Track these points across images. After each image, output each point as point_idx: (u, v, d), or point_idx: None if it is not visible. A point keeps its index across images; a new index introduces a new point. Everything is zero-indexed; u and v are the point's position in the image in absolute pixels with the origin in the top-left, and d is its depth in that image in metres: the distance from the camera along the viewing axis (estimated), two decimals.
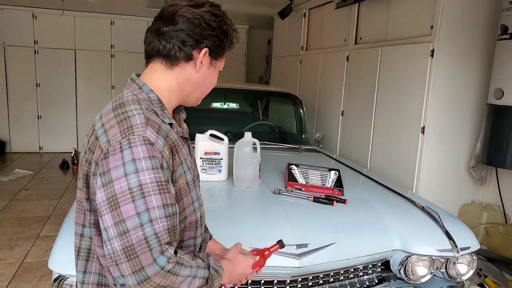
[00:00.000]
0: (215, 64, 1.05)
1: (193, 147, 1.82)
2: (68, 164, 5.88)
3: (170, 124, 0.98)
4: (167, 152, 0.90)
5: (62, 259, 1.51)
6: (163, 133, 0.91)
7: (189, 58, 0.99)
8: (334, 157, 3.21)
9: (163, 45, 0.97)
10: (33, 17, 6.29)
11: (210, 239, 1.26)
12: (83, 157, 0.96)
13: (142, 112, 0.91)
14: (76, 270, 1.03)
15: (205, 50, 0.99)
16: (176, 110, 1.11)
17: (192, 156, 1.10)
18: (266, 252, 1.21)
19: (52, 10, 5.93)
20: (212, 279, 0.97)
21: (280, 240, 1.23)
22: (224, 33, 1.02)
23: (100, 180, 0.87)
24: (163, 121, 0.96)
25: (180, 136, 1.02)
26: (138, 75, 1.04)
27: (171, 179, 0.93)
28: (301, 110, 3.53)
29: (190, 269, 0.91)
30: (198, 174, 1.15)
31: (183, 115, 1.13)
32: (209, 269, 0.97)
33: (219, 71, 1.08)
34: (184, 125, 1.13)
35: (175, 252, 0.89)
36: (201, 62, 1.00)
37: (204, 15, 0.98)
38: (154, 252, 0.83)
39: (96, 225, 0.95)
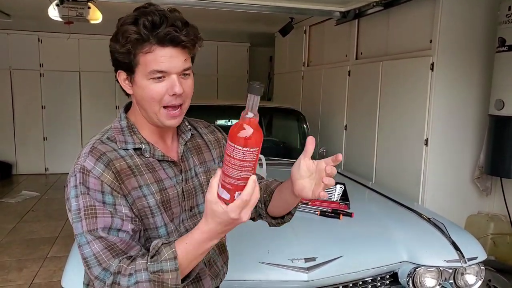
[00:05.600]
0: (133, 78, 0.97)
1: None
2: None
3: (139, 149, 0.99)
4: (107, 177, 0.92)
5: (76, 277, 1.52)
6: (106, 160, 0.93)
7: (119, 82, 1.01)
8: (339, 171, 3.23)
9: None
10: (39, 41, 6.42)
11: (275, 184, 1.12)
12: None
13: (93, 143, 0.97)
14: (83, 283, 1.08)
15: (118, 72, 1.00)
16: (179, 132, 1.10)
17: (182, 178, 1.05)
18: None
19: (57, 33, 6.04)
20: (159, 280, 0.83)
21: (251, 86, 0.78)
22: (121, 46, 0.94)
23: (66, 206, 0.95)
24: (123, 148, 0.98)
25: (159, 160, 1.01)
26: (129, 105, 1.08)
27: (126, 201, 0.94)
28: (304, 126, 3.57)
29: (129, 277, 0.85)
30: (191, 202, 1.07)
31: (185, 137, 1.10)
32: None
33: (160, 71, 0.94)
34: (178, 147, 1.07)
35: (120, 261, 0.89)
36: (124, 83, 1.00)
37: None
38: (95, 270, 0.88)
39: None
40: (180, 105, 0.98)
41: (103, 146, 0.97)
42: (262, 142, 0.78)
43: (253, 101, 0.77)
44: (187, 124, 1.13)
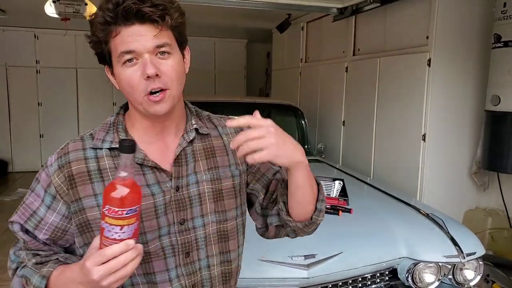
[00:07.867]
0: (110, 69, 0.88)
1: None
2: None
3: (116, 149, 0.87)
4: (56, 179, 0.86)
5: None
6: (64, 161, 0.87)
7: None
8: (337, 167, 3.24)
9: None
10: (35, 37, 6.36)
11: None
12: None
13: (70, 140, 0.92)
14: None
15: (106, 68, 0.91)
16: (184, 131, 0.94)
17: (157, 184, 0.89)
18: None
19: (53, 30, 5.99)
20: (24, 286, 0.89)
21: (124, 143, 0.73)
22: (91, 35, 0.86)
23: None
24: (97, 147, 0.88)
25: (139, 164, 0.87)
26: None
27: (70, 208, 0.87)
28: (302, 122, 3.57)
29: (18, 270, 0.92)
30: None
31: (187, 137, 0.92)
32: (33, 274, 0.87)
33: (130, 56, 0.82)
34: (177, 150, 0.91)
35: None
36: (113, 79, 0.90)
37: None
38: (12, 249, 0.98)
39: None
40: (162, 90, 0.83)
41: (75, 143, 0.90)
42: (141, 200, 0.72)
43: (126, 160, 0.72)
44: (193, 122, 0.94)
